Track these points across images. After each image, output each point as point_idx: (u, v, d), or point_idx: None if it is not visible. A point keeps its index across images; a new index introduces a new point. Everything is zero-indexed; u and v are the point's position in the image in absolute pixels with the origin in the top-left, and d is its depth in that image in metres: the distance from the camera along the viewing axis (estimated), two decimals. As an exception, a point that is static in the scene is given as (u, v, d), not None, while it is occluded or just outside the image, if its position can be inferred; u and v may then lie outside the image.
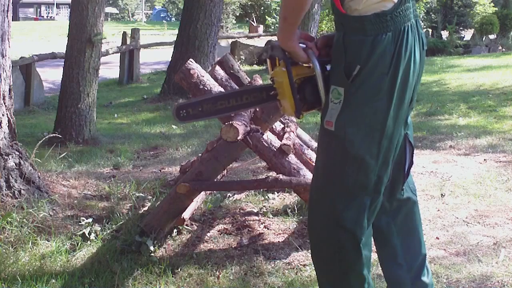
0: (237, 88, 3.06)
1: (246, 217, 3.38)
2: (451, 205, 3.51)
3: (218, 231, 3.20)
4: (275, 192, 3.75)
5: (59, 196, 3.55)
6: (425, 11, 20.87)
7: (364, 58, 1.71)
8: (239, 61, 12.56)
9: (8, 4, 3.41)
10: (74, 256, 2.84)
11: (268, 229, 3.20)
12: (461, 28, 20.86)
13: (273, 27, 22.64)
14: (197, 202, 3.25)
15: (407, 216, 2.06)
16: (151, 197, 3.70)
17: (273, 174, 3.10)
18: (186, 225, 3.18)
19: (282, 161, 2.92)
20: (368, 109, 1.74)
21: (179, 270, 2.71)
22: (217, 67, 3.17)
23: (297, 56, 1.82)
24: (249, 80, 3.27)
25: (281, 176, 2.88)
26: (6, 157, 3.31)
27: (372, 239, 1.98)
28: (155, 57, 15.47)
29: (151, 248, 2.86)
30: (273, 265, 2.76)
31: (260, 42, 16.81)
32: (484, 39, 17.48)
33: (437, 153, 4.84)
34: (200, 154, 3.75)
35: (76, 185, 3.93)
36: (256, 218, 3.37)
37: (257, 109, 2.85)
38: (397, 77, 1.72)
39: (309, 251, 2.06)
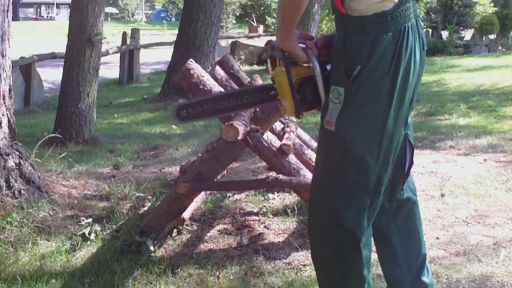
0: (237, 88, 3.06)
1: (246, 217, 3.38)
2: (451, 205, 3.51)
3: (218, 231, 3.20)
4: (275, 192, 3.75)
5: (59, 196, 3.56)
6: (425, 11, 20.87)
7: (364, 58, 1.71)
8: (239, 61, 12.57)
9: (8, 4, 3.41)
10: (74, 256, 2.84)
11: (268, 229, 3.20)
12: (461, 28, 20.87)
13: (273, 27, 22.63)
14: (197, 202, 3.25)
15: (407, 216, 2.06)
16: (151, 197, 3.70)
17: (273, 174, 3.10)
18: (186, 225, 3.18)
19: (282, 161, 2.92)
20: (369, 109, 1.74)
21: (179, 270, 2.71)
22: (217, 67, 3.17)
23: (296, 56, 1.82)
24: (249, 80, 3.27)
25: (281, 176, 2.88)
26: (6, 157, 3.32)
27: (372, 239, 1.99)
28: (155, 57, 15.47)
29: (151, 248, 2.86)
30: (273, 265, 2.76)
31: (260, 42, 16.81)
32: (484, 39, 17.48)
33: (437, 153, 4.84)
34: (200, 154, 3.75)
35: (76, 185, 3.93)
36: (256, 218, 3.37)
37: (257, 109, 2.85)
38: (398, 77, 1.72)
39: (309, 251, 2.06)
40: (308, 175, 2.87)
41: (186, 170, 3.59)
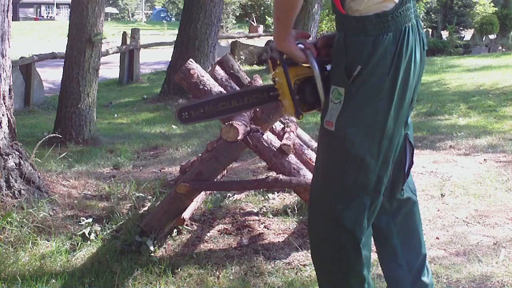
0: (237, 88, 3.06)
1: (246, 217, 3.38)
2: (451, 205, 3.51)
3: (218, 231, 3.20)
4: (275, 192, 3.75)
5: (59, 196, 3.56)
6: (425, 11, 20.87)
7: (365, 59, 1.71)
8: (239, 61, 12.57)
9: (8, 4, 3.41)
10: (74, 256, 2.84)
11: (268, 229, 3.20)
12: (461, 28, 20.88)
13: (273, 27, 22.60)
14: (197, 202, 3.25)
15: (407, 216, 2.06)
16: (151, 197, 3.70)
17: (273, 174, 3.10)
18: (186, 225, 3.18)
19: (282, 161, 2.92)
20: (369, 109, 1.74)
21: (179, 270, 2.71)
22: (217, 67, 3.17)
23: (294, 57, 1.82)
24: (249, 80, 3.27)
25: (281, 176, 2.88)
26: (6, 157, 3.32)
27: (372, 239, 1.99)
28: (155, 57, 15.47)
29: (151, 248, 2.86)
30: (273, 265, 2.76)
31: (260, 42, 16.81)
32: (484, 39, 17.48)
33: (437, 153, 4.84)
34: (200, 154, 3.76)
35: (76, 185, 3.93)
36: (256, 218, 3.37)
37: (257, 109, 2.85)
38: (398, 78, 1.72)
39: (309, 251, 2.06)
40: (308, 175, 2.87)
41: (186, 170, 3.59)
